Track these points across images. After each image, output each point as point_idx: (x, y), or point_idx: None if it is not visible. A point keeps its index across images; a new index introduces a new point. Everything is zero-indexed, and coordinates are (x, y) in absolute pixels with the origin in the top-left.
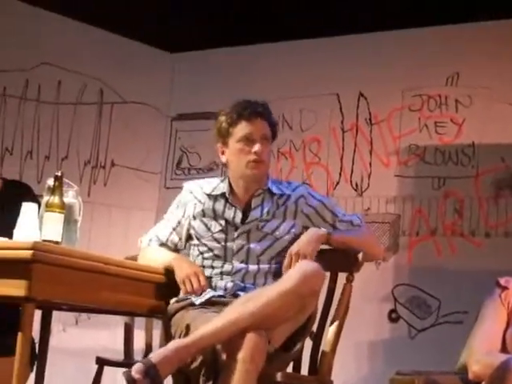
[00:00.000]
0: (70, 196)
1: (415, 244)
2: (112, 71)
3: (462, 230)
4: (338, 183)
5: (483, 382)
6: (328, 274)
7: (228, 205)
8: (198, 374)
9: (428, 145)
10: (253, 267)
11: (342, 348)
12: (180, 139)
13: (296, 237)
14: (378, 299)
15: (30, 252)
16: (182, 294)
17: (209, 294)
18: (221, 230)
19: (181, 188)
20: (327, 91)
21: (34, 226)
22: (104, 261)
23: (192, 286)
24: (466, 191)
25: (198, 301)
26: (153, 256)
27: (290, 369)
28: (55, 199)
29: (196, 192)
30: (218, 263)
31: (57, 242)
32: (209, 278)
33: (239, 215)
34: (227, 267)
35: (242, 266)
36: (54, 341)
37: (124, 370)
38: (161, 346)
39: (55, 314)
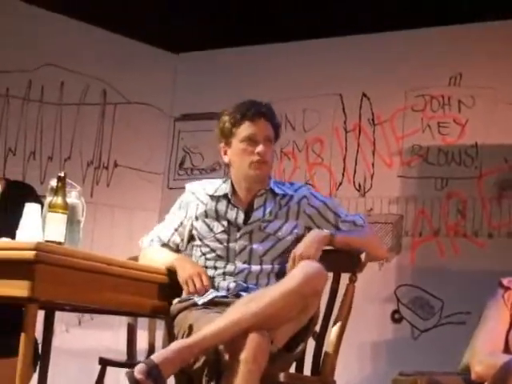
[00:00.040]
0: (73, 196)
1: (418, 244)
2: (115, 72)
3: (465, 231)
4: (340, 184)
5: (486, 382)
6: (331, 274)
7: (230, 205)
8: (201, 375)
9: (431, 145)
10: (255, 268)
11: (345, 348)
12: (183, 139)
13: (298, 237)
14: (380, 300)
15: (33, 253)
16: (184, 295)
17: (211, 294)
18: (223, 231)
19: (184, 188)
20: (330, 91)
21: (37, 226)
22: (107, 261)
23: (195, 286)
24: (469, 192)
25: (200, 301)
26: (154, 256)
27: (292, 369)
28: (58, 200)
29: (198, 193)
30: (220, 264)
31: (60, 243)
32: (211, 279)
33: (241, 216)
34: (230, 268)
35: (245, 266)
36: (56, 341)
37: (127, 370)
38: (164, 346)
39: (58, 314)
